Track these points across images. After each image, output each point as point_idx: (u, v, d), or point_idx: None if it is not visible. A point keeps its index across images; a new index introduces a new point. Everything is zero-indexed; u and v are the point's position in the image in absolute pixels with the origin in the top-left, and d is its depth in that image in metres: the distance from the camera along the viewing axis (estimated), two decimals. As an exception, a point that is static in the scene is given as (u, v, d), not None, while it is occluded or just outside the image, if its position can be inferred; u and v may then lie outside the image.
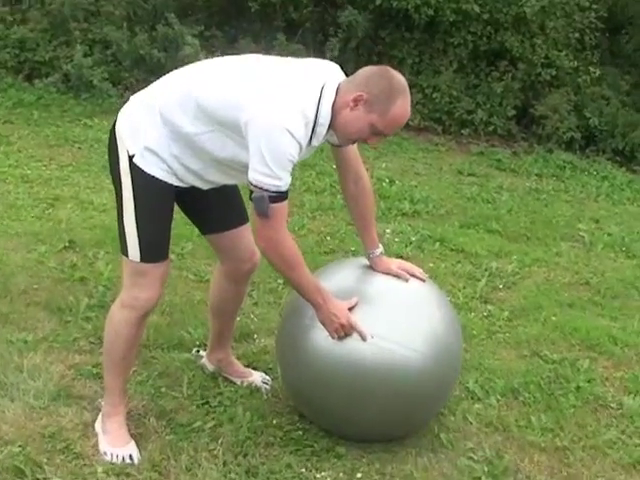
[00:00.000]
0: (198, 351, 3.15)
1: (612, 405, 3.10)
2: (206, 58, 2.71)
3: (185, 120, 2.35)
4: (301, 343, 2.58)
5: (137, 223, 2.41)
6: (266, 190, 2.25)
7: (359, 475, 2.54)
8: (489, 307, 3.91)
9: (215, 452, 2.55)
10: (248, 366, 3.07)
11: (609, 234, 5.40)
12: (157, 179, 2.40)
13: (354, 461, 2.59)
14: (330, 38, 7.79)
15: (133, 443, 2.54)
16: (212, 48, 7.68)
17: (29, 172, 5.24)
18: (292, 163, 2.26)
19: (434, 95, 7.86)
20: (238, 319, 3.10)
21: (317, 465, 2.56)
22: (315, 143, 2.35)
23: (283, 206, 2.31)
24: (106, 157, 2.53)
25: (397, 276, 2.63)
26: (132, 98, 2.50)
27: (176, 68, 2.53)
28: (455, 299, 3.91)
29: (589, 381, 3.24)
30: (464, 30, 7.87)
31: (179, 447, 2.56)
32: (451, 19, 7.73)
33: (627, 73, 8.52)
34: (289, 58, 2.44)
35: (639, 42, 8.49)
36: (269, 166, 2.22)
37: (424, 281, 2.68)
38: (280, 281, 3.75)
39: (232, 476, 2.46)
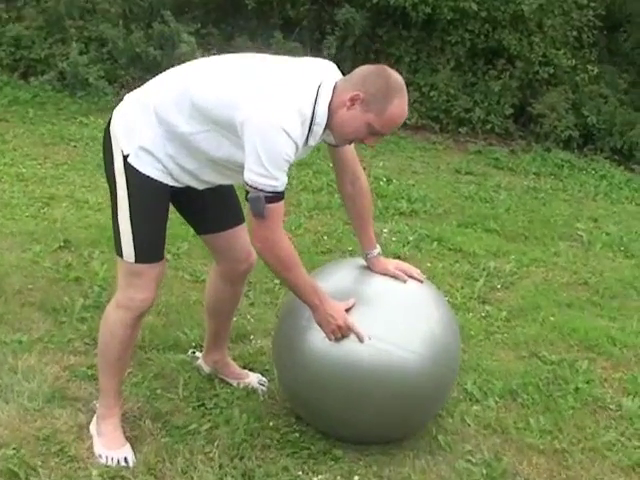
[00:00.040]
0: (194, 352, 3.12)
1: (611, 407, 3.08)
2: (202, 56, 2.70)
3: (180, 119, 2.32)
4: (298, 344, 2.56)
5: (132, 223, 2.39)
6: (262, 190, 2.23)
7: (356, 478, 2.51)
8: (487, 307, 3.89)
9: (211, 455, 2.54)
10: (244, 367, 3.05)
11: (607, 233, 5.39)
12: (152, 179, 2.38)
13: (351, 464, 2.57)
14: (327, 36, 7.78)
15: (128, 446, 2.52)
16: (208, 46, 7.66)
17: (24, 171, 5.22)
18: (288, 163, 2.23)
19: (431, 93, 7.85)
20: (234, 320, 3.08)
21: (314, 468, 2.54)
22: (312, 143, 2.33)
23: (279, 206, 2.29)
24: (101, 155, 2.50)
25: (395, 277, 2.61)
26: (127, 97, 2.48)
27: (172, 66, 2.51)
28: (453, 299, 3.89)
29: (588, 382, 3.23)
30: (462, 28, 7.85)
31: (175, 450, 2.54)
32: (449, 17, 7.72)
33: (625, 71, 8.52)
34: (285, 57, 2.42)
35: (637, 40, 8.49)
36: (265, 166, 2.20)
37: (422, 282, 2.66)
38: (277, 281, 3.73)
39: (228, 479, 2.43)
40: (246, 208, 2.36)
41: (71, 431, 2.59)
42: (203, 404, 2.81)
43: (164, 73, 2.48)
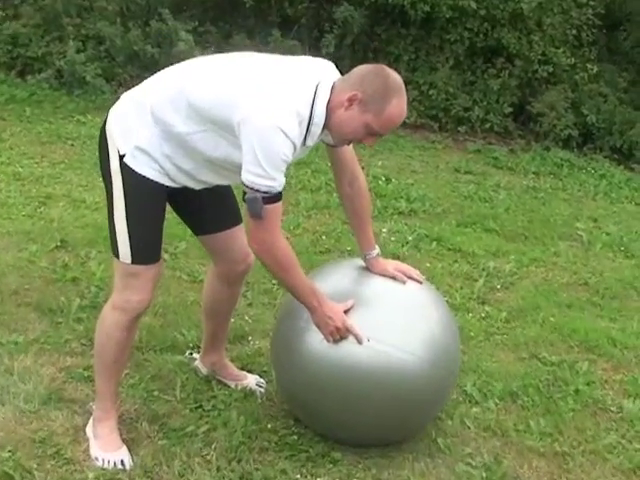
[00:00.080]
0: (191, 353, 3.10)
1: (612, 409, 3.06)
2: (200, 54, 2.68)
3: (177, 119, 2.30)
4: (296, 346, 2.54)
5: (128, 224, 2.37)
6: (259, 191, 2.21)
7: (355, 481, 2.50)
8: (487, 308, 3.87)
9: (208, 457, 2.51)
10: (242, 369, 3.03)
11: (607, 233, 5.37)
12: (148, 179, 2.35)
13: (350, 467, 2.55)
14: (325, 34, 7.76)
15: (125, 448, 2.50)
16: (206, 44, 7.64)
17: (21, 170, 5.19)
18: (286, 163, 2.21)
19: (430, 92, 7.82)
20: (232, 320, 3.06)
21: (312, 471, 2.51)
22: (309, 143, 2.30)
23: (277, 207, 2.26)
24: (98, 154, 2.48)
25: (394, 278, 2.59)
26: (123, 96, 2.45)
27: (170, 64, 2.48)
28: (452, 300, 3.87)
29: (588, 384, 3.21)
30: (461, 26, 7.83)
31: (172, 452, 2.52)
32: (447, 15, 7.69)
33: (625, 70, 8.50)
34: (283, 56, 2.39)
35: (637, 39, 8.48)
36: (262, 166, 2.17)
37: (421, 283, 2.64)
38: (275, 282, 3.70)
39: (225, 482, 2.42)
40: (244, 209, 2.33)
41: (67, 433, 2.57)
42: (201, 406, 2.79)
43: (161, 72, 2.45)
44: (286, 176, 2.25)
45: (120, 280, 2.45)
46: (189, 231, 2.82)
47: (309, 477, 2.48)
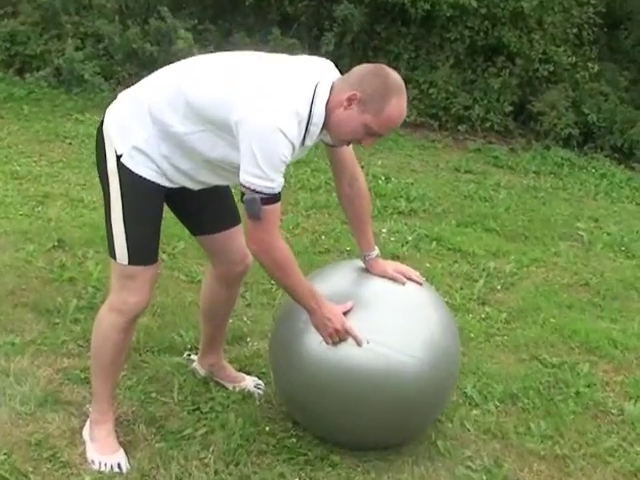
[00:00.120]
0: (189, 355, 3.08)
1: (613, 411, 3.03)
2: (199, 52, 2.65)
3: (175, 119, 2.27)
4: (295, 348, 2.52)
5: (125, 224, 2.34)
6: (258, 192, 2.18)
7: (354, 484, 2.48)
8: (487, 309, 3.85)
9: (206, 461, 2.49)
10: (241, 370, 3.01)
11: (608, 233, 5.35)
12: (146, 179, 2.33)
13: (349, 470, 2.53)
14: (325, 32, 7.73)
15: (122, 451, 2.48)
16: (205, 42, 7.61)
17: (19, 168, 5.16)
18: (285, 164, 2.19)
19: (430, 91, 7.80)
20: (230, 321, 3.03)
21: (311, 474, 2.49)
22: (308, 143, 2.28)
23: (275, 208, 2.24)
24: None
25: (393, 279, 2.56)
26: (120, 95, 2.43)
27: (169, 62, 2.46)
28: (452, 300, 3.85)
29: (589, 386, 3.18)
30: (461, 25, 7.81)
31: (169, 455, 2.50)
32: (448, 14, 7.67)
33: (626, 69, 8.48)
34: (282, 55, 2.37)
35: (638, 38, 8.45)
36: (261, 167, 2.15)
37: (421, 284, 2.62)
38: (274, 282, 3.67)
39: (223, 486, 2.40)
40: (242, 209, 2.31)
41: (64, 436, 2.55)
42: (198, 408, 2.76)
43: (159, 71, 2.43)
44: (285, 176, 2.23)
45: (117, 281, 2.42)
46: (187, 231, 2.80)
47: (307, 480, 2.46)
